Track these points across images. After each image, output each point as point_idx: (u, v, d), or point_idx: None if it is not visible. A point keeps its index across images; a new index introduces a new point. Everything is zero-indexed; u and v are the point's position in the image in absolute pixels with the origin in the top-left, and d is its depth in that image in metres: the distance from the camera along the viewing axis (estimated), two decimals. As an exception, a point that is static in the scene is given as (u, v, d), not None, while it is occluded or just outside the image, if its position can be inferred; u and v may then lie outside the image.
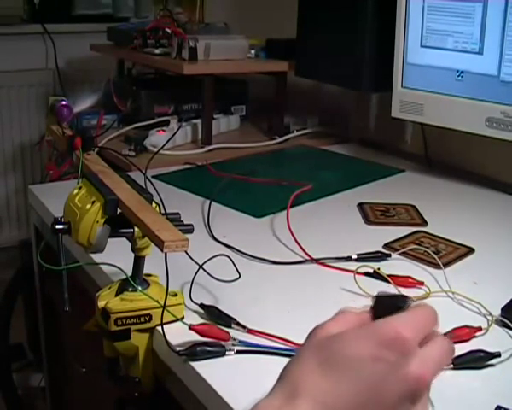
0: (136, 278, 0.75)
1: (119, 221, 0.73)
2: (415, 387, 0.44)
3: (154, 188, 0.82)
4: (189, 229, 0.72)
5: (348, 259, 0.94)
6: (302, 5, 1.56)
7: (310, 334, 0.50)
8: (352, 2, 1.42)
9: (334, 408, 0.44)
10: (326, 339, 0.47)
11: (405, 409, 0.45)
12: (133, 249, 0.75)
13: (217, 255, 0.87)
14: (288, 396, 0.45)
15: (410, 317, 0.47)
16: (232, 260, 0.87)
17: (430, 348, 0.47)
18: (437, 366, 0.46)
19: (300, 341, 0.71)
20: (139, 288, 0.75)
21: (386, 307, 0.49)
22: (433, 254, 0.94)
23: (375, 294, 0.51)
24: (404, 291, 0.84)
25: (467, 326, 0.75)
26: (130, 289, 0.75)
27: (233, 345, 0.71)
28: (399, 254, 0.97)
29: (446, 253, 0.98)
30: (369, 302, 0.50)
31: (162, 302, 0.73)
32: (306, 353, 0.48)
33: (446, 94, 1.26)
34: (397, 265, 0.94)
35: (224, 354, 0.70)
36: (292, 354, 0.71)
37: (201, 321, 0.75)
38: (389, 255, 0.96)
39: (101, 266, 0.85)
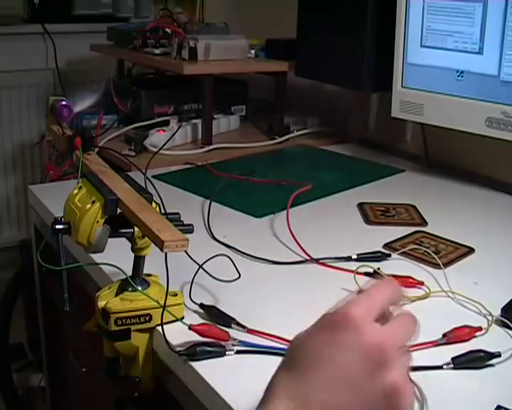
0: (136, 278, 0.75)
1: (119, 221, 0.73)
2: (375, 356, 0.47)
3: (154, 188, 0.82)
4: (189, 229, 0.72)
5: (348, 259, 0.94)
6: (302, 5, 1.56)
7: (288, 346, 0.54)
8: (351, 2, 1.42)
9: (309, 400, 0.46)
10: (295, 343, 0.51)
11: (377, 378, 0.46)
12: (133, 249, 0.75)
13: (217, 255, 0.87)
14: (264, 404, 0.48)
15: (360, 297, 0.50)
16: (232, 260, 0.87)
17: (389, 322, 0.49)
18: (397, 333, 0.49)
19: (300, 341, 0.72)
20: (139, 288, 0.75)
21: None
22: (433, 254, 0.94)
23: None
24: (404, 291, 0.84)
25: (467, 326, 0.75)
26: (130, 289, 0.75)
27: (233, 345, 0.71)
28: (399, 254, 0.97)
29: (446, 253, 0.98)
30: None
31: (162, 302, 0.73)
32: (281, 363, 0.51)
33: (446, 94, 1.26)
34: (397, 265, 0.94)
35: (223, 354, 0.70)
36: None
37: (201, 321, 0.75)
38: (389, 255, 0.96)
39: (101, 266, 0.85)
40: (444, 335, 0.73)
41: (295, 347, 0.50)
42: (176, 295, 0.77)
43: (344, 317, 0.48)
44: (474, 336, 0.75)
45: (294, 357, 0.49)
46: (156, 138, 1.52)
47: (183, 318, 0.76)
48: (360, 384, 0.46)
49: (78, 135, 0.86)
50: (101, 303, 0.74)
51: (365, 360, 0.46)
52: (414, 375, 0.50)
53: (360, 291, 0.52)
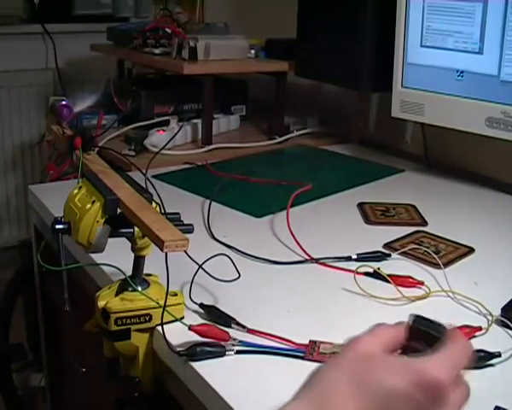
0: (136, 278, 0.75)
1: (119, 221, 0.73)
2: None
3: (154, 188, 0.82)
4: (189, 229, 0.72)
5: (348, 259, 0.94)
6: (302, 5, 1.56)
7: (346, 346, 0.50)
8: (352, 2, 1.42)
9: None
10: (362, 358, 0.48)
11: None
12: (133, 249, 0.75)
13: (217, 255, 0.87)
14: (317, 405, 0.46)
15: (448, 359, 0.47)
16: (232, 260, 0.87)
17: (456, 394, 0.47)
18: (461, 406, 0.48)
19: (300, 341, 0.72)
20: (139, 288, 0.75)
21: (422, 332, 0.49)
22: (433, 254, 0.94)
23: (411, 313, 0.51)
24: (405, 291, 0.84)
25: (467, 326, 0.75)
26: (130, 289, 0.75)
27: (233, 345, 0.71)
28: (399, 254, 0.97)
29: (446, 253, 0.98)
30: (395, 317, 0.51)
31: (162, 302, 0.73)
32: (341, 366, 0.48)
33: (446, 94, 1.26)
34: (397, 265, 0.94)
35: (223, 355, 0.70)
36: (292, 353, 0.71)
37: (201, 321, 0.75)
38: (389, 255, 0.96)
39: (101, 266, 0.85)
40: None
41: (363, 360, 0.47)
42: (176, 295, 0.77)
43: (432, 382, 0.45)
44: (474, 336, 0.75)
45: (361, 373, 0.46)
46: (156, 138, 1.52)
47: (183, 318, 0.76)
48: None
49: (78, 135, 0.86)
50: (101, 303, 0.74)
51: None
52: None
53: (435, 323, 0.50)
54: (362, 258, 0.94)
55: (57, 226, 0.73)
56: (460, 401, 0.48)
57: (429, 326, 0.50)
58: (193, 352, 0.69)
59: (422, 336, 0.49)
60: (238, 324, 0.75)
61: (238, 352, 0.71)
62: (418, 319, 0.50)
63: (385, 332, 0.50)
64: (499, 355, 0.70)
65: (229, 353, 0.70)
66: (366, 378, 0.46)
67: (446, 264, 0.94)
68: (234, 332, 0.73)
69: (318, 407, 0.45)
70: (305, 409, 0.46)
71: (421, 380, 0.45)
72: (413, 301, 0.83)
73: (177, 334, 0.72)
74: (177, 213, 0.75)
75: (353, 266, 0.89)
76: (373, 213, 1.14)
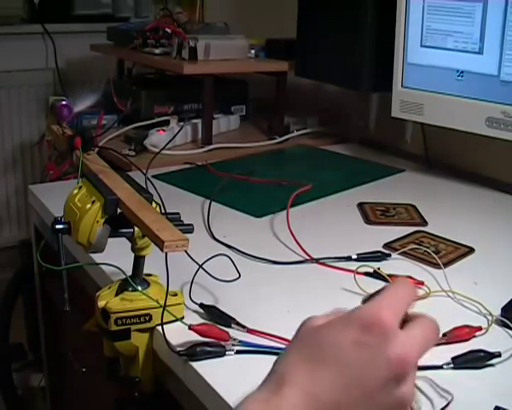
0: (136, 278, 0.75)
1: (119, 221, 0.73)
2: (397, 369, 0.45)
3: (154, 188, 0.82)
4: (189, 229, 0.72)
5: (348, 259, 0.94)
6: (302, 5, 1.56)
7: (299, 327, 0.51)
8: (352, 2, 1.42)
9: (321, 396, 0.45)
10: (311, 329, 0.49)
11: (391, 390, 0.46)
12: (133, 249, 0.75)
13: (217, 255, 0.87)
14: (274, 388, 0.46)
15: (389, 298, 0.48)
16: (232, 260, 0.87)
17: (412, 328, 0.48)
18: (421, 345, 0.47)
19: (300, 341, 0.72)
20: (139, 288, 0.75)
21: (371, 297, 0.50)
22: (433, 254, 0.94)
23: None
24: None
25: (467, 326, 0.75)
26: (130, 289, 0.75)
27: (233, 345, 0.71)
28: (399, 254, 0.97)
29: (446, 253, 0.98)
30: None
31: (162, 302, 0.73)
32: (293, 345, 0.49)
33: (446, 94, 1.26)
34: (397, 265, 0.94)
35: (224, 355, 0.70)
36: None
37: (201, 321, 0.75)
38: (389, 255, 0.96)
39: (101, 265, 0.85)
40: (444, 335, 0.73)
41: (312, 333, 0.48)
42: (176, 295, 0.77)
43: (375, 321, 0.46)
44: (474, 336, 0.75)
45: (311, 345, 0.47)
46: (156, 138, 1.52)
47: (183, 318, 0.76)
48: (375, 394, 0.45)
49: (78, 135, 0.86)
50: (101, 303, 0.74)
51: (386, 371, 0.45)
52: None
53: (380, 290, 0.50)
54: (362, 258, 0.94)
55: (57, 226, 0.73)
56: (419, 335, 0.47)
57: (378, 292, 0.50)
58: (193, 352, 0.69)
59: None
60: (238, 324, 0.75)
61: (238, 352, 0.71)
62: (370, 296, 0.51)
63: (339, 312, 0.50)
64: (499, 355, 0.70)
65: (229, 353, 0.70)
66: (315, 344, 0.47)
67: (446, 264, 0.94)
68: (234, 332, 0.73)
69: (277, 387, 0.46)
70: (264, 395, 0.46)
71: (363, 323, 0.46)
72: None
73: (177, 334, 0.72)
74: (177, 213, 0.75)
75: (353, 266, 0.89)
76: (373, 213, 1.14)
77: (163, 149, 1.15)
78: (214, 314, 0.77)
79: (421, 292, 0.85)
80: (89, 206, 0.72)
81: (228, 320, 0.75)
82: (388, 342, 0.45)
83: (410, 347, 0.46)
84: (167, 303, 0.73)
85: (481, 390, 0.66)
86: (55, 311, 1.33)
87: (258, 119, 1.82)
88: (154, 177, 1.14)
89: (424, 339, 0.48)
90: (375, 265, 0.91)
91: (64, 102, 0.90)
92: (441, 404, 0.63)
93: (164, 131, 1.56)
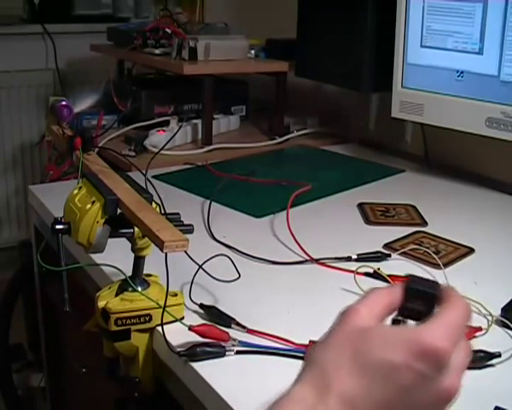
0: (136, 279, 0.75)
1: (119, 221, 0.73)
2: (448, 399, 0.46)
3: (154, 188, 0.82)
4: (189, 229, 0.72)
5: (348, 259, 0.94)
6: (302, 5, 1.56)
7: (341, 318, 0.48)
8: (352, 2, 1.42)
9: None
10: (359, 333, 0.47)
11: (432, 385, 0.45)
12: (133, 250, 0.75)
13: (217, 255, 0.87)
14: (319, 391, 0.45)
15: (446, 324, 0.47)
16: (232, 260, 0.87)
17: (459, 356, 0.47)
18: (463, 371, 0.47)
19: (300, 341, 0.72)
20: (139, 288, 0.75)
21: (417, 291, 0.49)
22: (433, 254, 0.94)
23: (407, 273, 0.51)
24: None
25: (467, 326, 0.75)
26: (130, 290, 0.75)
27: (233, 345, 0.71)
28: (399, 254, 0.97)
29: (446, 253, 0.98)
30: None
31: (162, 303, 0.73)
32: (338, 342, 0.47)
33: (446, 94, 1.26)
34: (397, 265, 0.94)
35: (223, 355, 0.70)
36: (292, 354, 0.71)
37: (201, 321, 0.75)
38: (389, 255, 0.96)
39: (101, 266, 0.85)
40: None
41: (361, 336, 0.46)
42: (176, 295, 0.77)
43: (432, 350, 0.44)
44: (474, 336, 0.75)
45: (360, 352, 0.45)
46: (156, 138, 1.52)
47: (182, 318, 0.76)
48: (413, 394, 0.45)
49: (78, 135, 0.86)
50: (101, 303, 0.74)
51: (434, 400, 0.45)
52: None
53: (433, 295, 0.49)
54: (362, 258, 0.94)
55: (57, 226, 0.73)
56: (463, 362, 0.47)
57: (424, 285, 0.49)
58: (193, 352, 0.69)
59: (418, 295, 0.49)
60: (238, 324, 0.75)
61: (238, 352, 0.71)
62: (413, 279, 0.50)
63: (378, 299, 0.49)
64: (499, 355, 0.70)
65: (229, 353, 0.70)
66: (366, 356, 0.45)
67: (446, 264, 0.94)
68: (234, 332, 0.73)
69: (322, 391, 0.44)
70: (307, 393, 0.45)
71: (421, 350, 0.44)
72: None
73: (177, 334, 0.72)
74: (177, 214, 0.75)
75: (353, 266, 0.89)
76: (373, 214, 1.14)
77: (162, 148, 1.15)
78: (214, 315, 0.77)
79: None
80: (89, 206, 0.72)
81: (228, 321, 0.75)
82: (441, 373, 0.45)
83: (459, 377, 0.46)
84: (167, 304, 0.73)
85: (481, 390, 0.66)
86: (55, 311, 1.33)
87: (258, 119, 1.82)
88: (154, 177, 1.14)
89: (465, 364, 0.48)
90: (375, 265, 0.91)
91: (64, 103, 0.90)
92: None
93: (164, 131, 1.56)
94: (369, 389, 0.44)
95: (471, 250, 1.00)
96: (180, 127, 1.56)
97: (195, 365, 0.69)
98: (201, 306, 0.78)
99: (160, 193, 0.80)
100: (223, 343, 0.71)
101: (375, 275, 0.88)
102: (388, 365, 0.44)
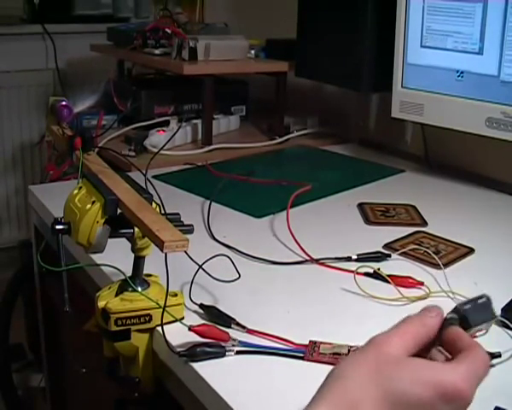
0: (136, 279, 0.75)
1: (119, 221, 0.73)
2: None
3: (154, 188, 0.82)
4: (189, 229, 0.72)
5: (348, 259, 0.94)
6: (302, 5, 1.56)
7: (370, 344, 0.50)
8: (352, 2, 1.42)
9: None
10: (387, 362, 0.48)
11: None
12: (133, 250, 0.75)
13: (217, 255, 0.87)
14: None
15: (472, 372, 0.49)
16: (232, 261, 0.87)
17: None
18: None
19: (300, 341, 0.72)
20: (138, 288, 0.75)
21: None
22: (433, 255, 0.94)
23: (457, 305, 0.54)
24: (404, 291, 0.84)
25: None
26: (130, 290, 0.75)
27: (233, 346, 0.71)
28: (399, 254, 0.97)
29: (446, 253, 0.98)
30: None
31: (162, 303, 0.73)
32: (364, 368, 0.48)
33: (446, 94, 1.26)
34: (397, 265, 0.94)
35: (224, 355, 0.70)
36: (292, 354, 0.71)
37: (201, 321, 0.75)
38: (389, 255, 0.96)
39: (101, 266, 0.85)
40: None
41: (391, 368, 0.48)
42: (176, 295, 0.77)
43: (456, 394, 0.47)
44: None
45: (390, 387, 0.47)
46: (156, 138, 1.52)
47: (182, 318, 0.76)
48: None
49: (78, 135, 0.86)
50: (101, 303, 0.74)
51: None
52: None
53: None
54: (362, 258, 0.94)
55: (57, 227, 0.73)
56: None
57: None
58: (193, 352, 0.69)
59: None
60: (238, 324, 0.75)
61: (238, 352, 0.71)
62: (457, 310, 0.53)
63: (411, 331, 0.50)
64: (499, 355, 0.70)
65: (229, 353, 0.70)
66: (393, 386, 0.47)
67: (446, 264, 0.94)
68: (234, 332, 0.73)
69: None
70: None
71: (448, 393, 0.47)
72: (413, 301, 0.83)
73: (177, 334, 0.72)
74: (177, 214, 0.75)
75: (353, 266, 0.89)
76: (373, 214, 1.14)
77: (161, 148, 1.15)
78: (214, 315, 0.77)
79: (421, 293, 0.86)
80: (89, 206, 0.72)
81: (228, 321, 0.75)
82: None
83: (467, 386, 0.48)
84: (167, 304, 0.73)
85: (480, 391, 0.66)
86: (55, 311, 1.33)
87: (259, 119, 1.82)
88: (153, 177, 1.14)
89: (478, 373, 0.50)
90: (375, 265, 0.91)
91: (64, 103, 0.90)
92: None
93: (164, 131, 1.56)
94: None
95: (471, 250, 1.00)
96: (180, 127, 1.56)
97: (195, 365, 0.69)
98: (201, 306, 0.78)
99: (160, 193, 0.80)
100: (223, 343, 0.71)
101: (375, 275, 0.88)
102: (415, 401, 0.46)
